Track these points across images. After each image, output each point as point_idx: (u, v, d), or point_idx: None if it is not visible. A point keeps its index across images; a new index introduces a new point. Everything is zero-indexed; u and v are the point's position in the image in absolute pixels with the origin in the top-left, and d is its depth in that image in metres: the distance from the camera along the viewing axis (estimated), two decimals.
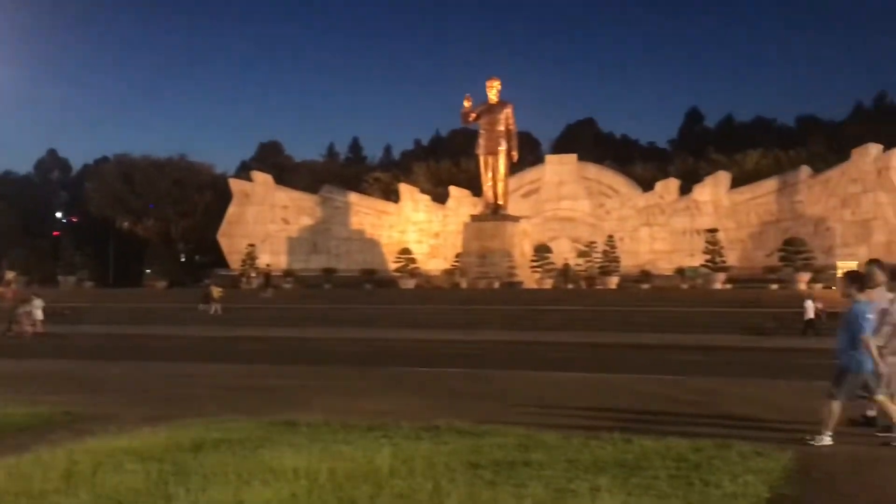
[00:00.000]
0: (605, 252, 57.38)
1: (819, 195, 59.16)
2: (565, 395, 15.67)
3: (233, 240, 70.42)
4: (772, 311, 41.56)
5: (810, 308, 37.54)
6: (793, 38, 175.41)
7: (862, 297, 10.73)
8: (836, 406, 10.48)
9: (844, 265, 50.32)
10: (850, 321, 10.60)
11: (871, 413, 11.27)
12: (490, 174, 60.92)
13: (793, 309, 39.90)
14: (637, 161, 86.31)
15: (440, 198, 75.13)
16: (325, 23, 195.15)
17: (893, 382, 10.96)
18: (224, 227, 71.36)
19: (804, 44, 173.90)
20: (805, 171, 61.69)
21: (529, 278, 58.01)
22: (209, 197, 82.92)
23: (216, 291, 51.05)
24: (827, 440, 10.38)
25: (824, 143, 79.47)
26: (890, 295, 11.26)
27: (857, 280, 11.06)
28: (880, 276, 11.39)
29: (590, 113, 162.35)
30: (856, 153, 57.63)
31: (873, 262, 12.00)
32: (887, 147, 57.50)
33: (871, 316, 10.52)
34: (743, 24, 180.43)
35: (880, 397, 10.52)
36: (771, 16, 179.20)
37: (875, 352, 10.34)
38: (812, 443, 10.32)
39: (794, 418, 12.19)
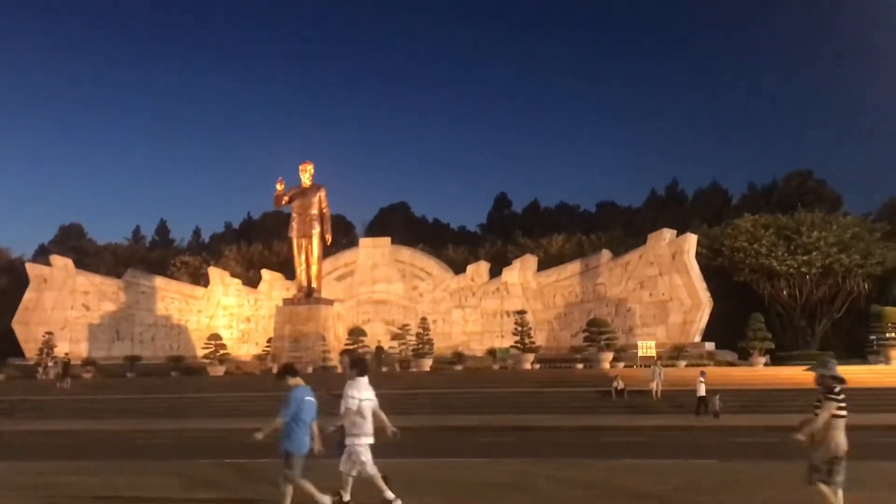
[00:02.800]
0: (418, 334, 57.67)
1: (619, 277, 62.00)
2: None
3: (29, 327, 66.64)
4: (579, 391, 42.73)
5: (702, 387, 36.29)
6: (592, 128, 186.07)
7: (296, 381, 11.89)
8: (298, 483, 11.48)
9: (644, 344, 52.95)
10: (285, 405, 11.61)
11: (347, 497, 12.27)
12: (303, 257, 60.38)
13: (596, 388, 41.47)
14: (449, 244, 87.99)
15: (252, 281, 73.63)
16: (128, 102, 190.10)
17: (354, 461, 12.05)
18: (19, 313, 67.77)
19: (603, 134, 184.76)
20: (606, 254, 64.53)
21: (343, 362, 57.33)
22: (4, 282, 78.02)
23: None
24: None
25: (622, 228, 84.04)
26: (350, 382, 12.44)
27: (289, 370, 12.30)
28: (345, 364, 13.13)
29: (402, 197, 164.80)
30: (651, 238, 61.06)
31: (345, 352, 13.61)
32: (680, 232, 61.36)
33: (308, 398, 11.77)
34: (546, 114, 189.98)
35: (290, 481, 11.51)
36: (572, 106, 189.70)
37: (272, 430, 11.53)
38: None
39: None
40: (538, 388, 43.95)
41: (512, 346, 56.25)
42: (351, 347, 54.70)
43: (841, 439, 10.14)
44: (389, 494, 12.00)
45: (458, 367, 56.64)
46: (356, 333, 58.06)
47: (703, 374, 37.61)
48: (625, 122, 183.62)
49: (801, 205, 72.74)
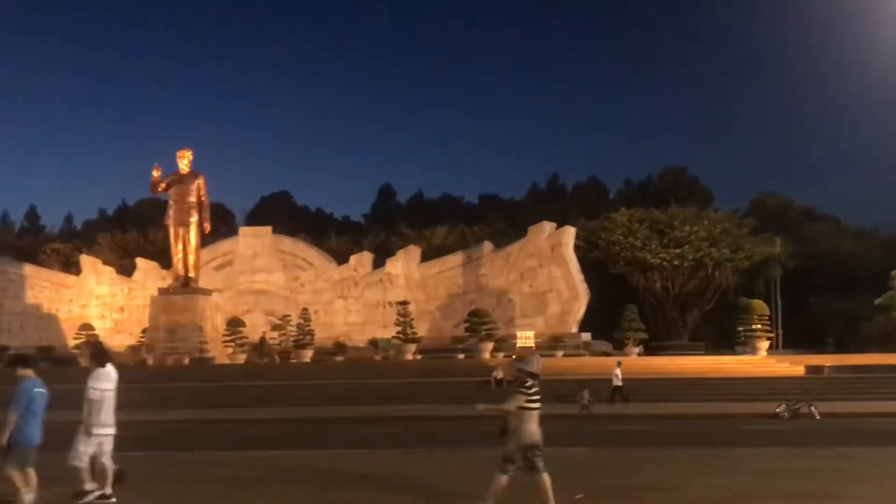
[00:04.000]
0: (299, 325, 57.07)
1: (501, 269, 62.79)
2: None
3: None
4: (460, 381, 43.01)
5: (618, 376, 36.56)
6: (476, 122, 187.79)
7: (26, 373, 11.90)
8: (13, 474, 11.38)
9: (523, 335, 53.77)
10: (16, 397, 11.58)
11: (106, 490, 12.33)
12: (181, 246, 58.84)
13: (476, 378, 41.92)
14: (332, 234, 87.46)
15: (126, 270, 71.53)
16: None
17: (104, 453, 12.45)
18: None
19: (486, 128, 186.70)
20: (487, 246, 65.28)
21: (222, 353, 56.32)
22: None
23: None
24: None
25: (504, 220, 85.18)
26: (92, 373, 12.85)
27: (19, 360, 12.40)
28: (86, 356, 13.08)
29: (284, 186, 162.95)
30: (532, 230, 62.06)
31: (87, 343, 13.53)
32: (559, 225, 62.54)
33: (39, 390, 11.78)
34: (430, 107, 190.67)
35: (11, 471, 11.46)
36: (455, 100, 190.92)
37: (9, 427, 11.36)
38: None
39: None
40: (419, 379, 44.13)
41: (394, 337, 56.29)
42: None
43: (534, 429, 10.62)
44: (107, 491, 12.12)
45: (340, 358, 56.40)
46: (235, 324, 57.03)
47: (619, 364, 38.13)
48: (507, 116, 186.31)
49: (675, 200, 75.20)
